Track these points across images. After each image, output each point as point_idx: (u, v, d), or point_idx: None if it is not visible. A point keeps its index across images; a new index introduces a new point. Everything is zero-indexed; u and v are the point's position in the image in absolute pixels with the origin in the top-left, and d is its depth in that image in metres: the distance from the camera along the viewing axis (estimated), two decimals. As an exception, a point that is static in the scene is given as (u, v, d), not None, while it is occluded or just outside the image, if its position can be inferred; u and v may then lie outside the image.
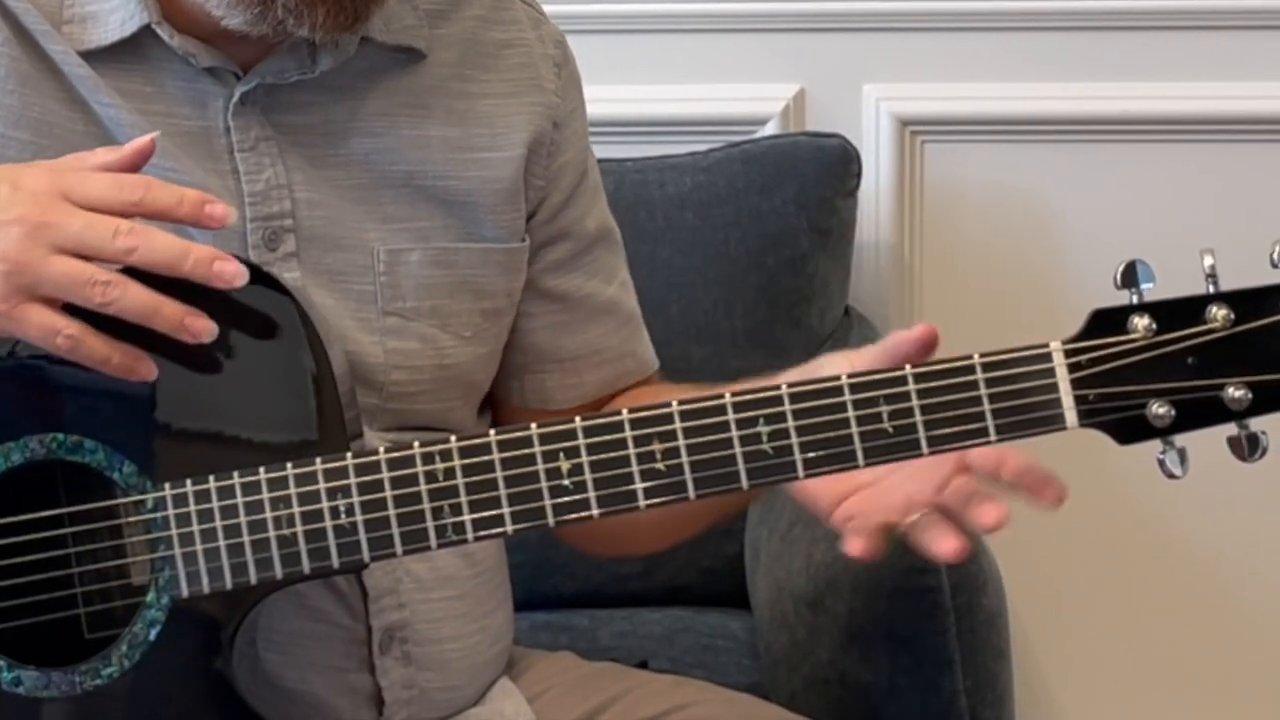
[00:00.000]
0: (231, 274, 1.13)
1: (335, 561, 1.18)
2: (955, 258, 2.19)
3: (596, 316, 1.45)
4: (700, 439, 1.17)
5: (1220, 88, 2.15)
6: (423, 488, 1.18)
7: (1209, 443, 1.17)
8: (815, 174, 2.05)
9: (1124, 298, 1.17)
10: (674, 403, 1.18)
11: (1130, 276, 1.15)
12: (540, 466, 1.18)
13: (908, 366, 1.16)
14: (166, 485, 1.18)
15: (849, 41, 2.18)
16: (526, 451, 1.18)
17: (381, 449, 1.18)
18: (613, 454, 1.17)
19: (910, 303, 2.20)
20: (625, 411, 1.18)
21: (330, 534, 1.18)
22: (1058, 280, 2.16)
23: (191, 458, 1.19)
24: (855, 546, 1.21)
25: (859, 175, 2.08)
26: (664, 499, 1.17)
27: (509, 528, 1.18)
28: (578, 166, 1.43)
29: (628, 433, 1.17)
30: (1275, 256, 1.13)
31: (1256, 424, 1.14)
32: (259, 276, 1.19)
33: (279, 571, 1.18)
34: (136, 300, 1.12)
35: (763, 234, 2.02)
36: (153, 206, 1.13)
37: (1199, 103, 2.15)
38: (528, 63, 1.40)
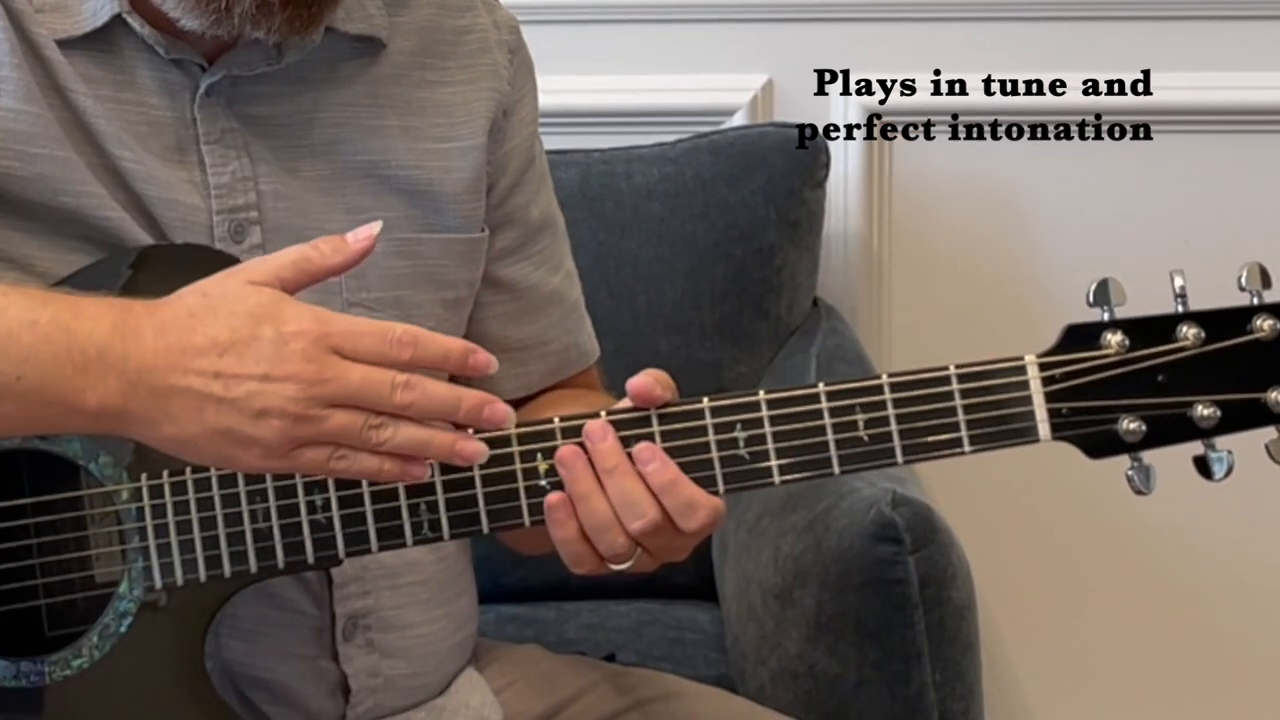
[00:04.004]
0: (501, 417, 1.14)
1: (310, 557, 1.19)
2: (924, 249, 2.20)
3: (543, 306, 1.45)
4: (677, 443, 1.18)
5: (1194, 79, 2.16)
6: (400, 485, 1.19)
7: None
8: (783, 165, 2.05)
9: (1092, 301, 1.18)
10: (651, 407, 1.19)
11: (1102, 294, 1.17)
12: (518, 466, 1.19)
13: (884, 376, 1.18)
14: (143, 477, 1.19)
15: (817, 32, 2.18)
16: (504, 451, 1.18)
17: (359, 446, 1.19)
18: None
19: (879, 293, 2.20)
20: (603, 415, 1.19)
21: (306, 529, 1.19)
22: (1027, 271, 2.17)
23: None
24: None
25: (827, 166, 2.08)
26: None
27: (485, 527, 1.19)
28: (524, 154, 1.43)
29: None
30: (1243, 281, 1.15)
31: (1223, 443, 1.16)
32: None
33: (253, 566, 1.19)
34: (411, 438, 1.12)
35: (730, 225, 2.03)
36: (421, 363, 1.13)
37: (1171, 94, 2.15)
38: (484, 48, 1.40)
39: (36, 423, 1.13)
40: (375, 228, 1.17)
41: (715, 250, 2.02)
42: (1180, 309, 1.16)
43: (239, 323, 1.11)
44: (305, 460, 1.12)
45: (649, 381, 1.19)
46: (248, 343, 1.11)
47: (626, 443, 1.18)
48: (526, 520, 1.19)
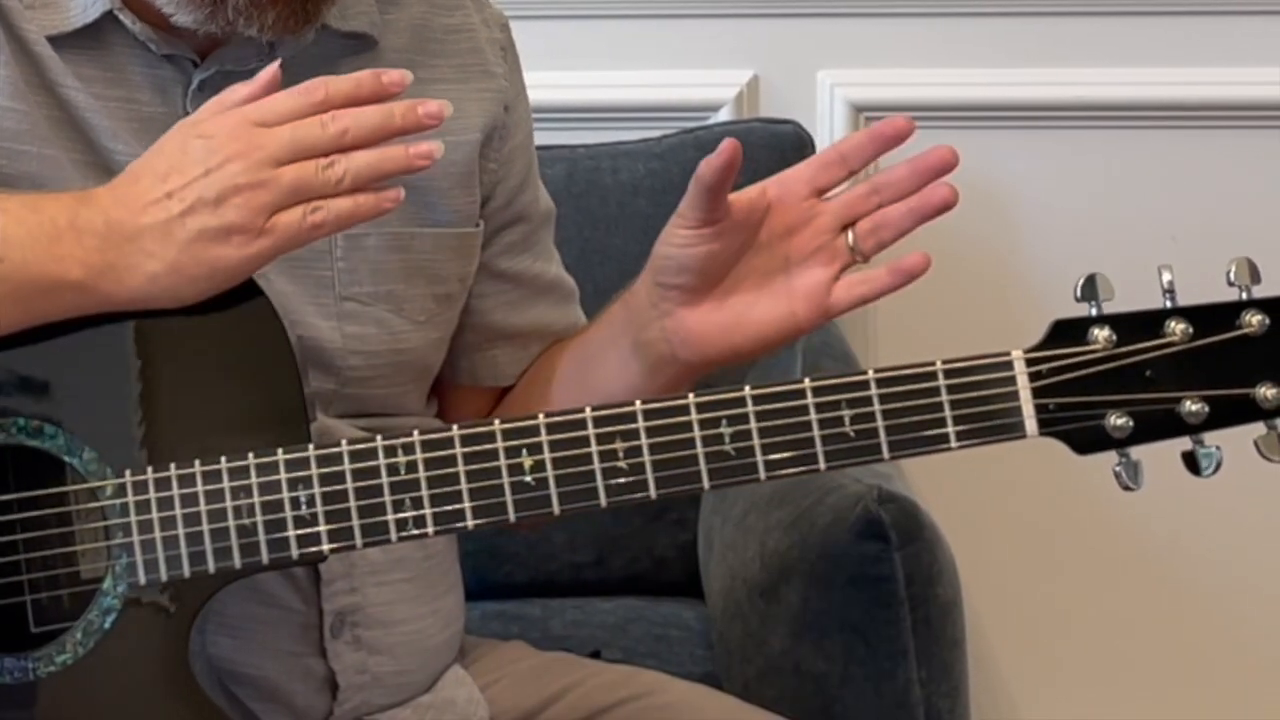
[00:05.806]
0: (436, 111, 1.17)
1: (294, 552, 1.19)
2: (910, 245, 2.20)
3: (544, 294, 1.47)
4: (663, 438, 1.18)
5: (1178, 74, 2.16)
6: (384, 480, 1.18)
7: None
8: (769, 160, 2.05)
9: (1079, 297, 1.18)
10: (637, 402, 1.19)
11: (1090, 289, 1.17)
12: (503, 462, 1.18)
13: (870, 371, 1.18)
14: (127, 472, 1.18)
15: (803, 27, 2.18)
16: (489, 447, 1.18)
17: (344, 441, 1.18)
18: (575, 451, 1.18)
19: (865, 290, 2.20)
20: (589, 410, 1.19)
21: (290, 525, 1.18)
22: (1015, 268, 2.17)
23: (152, 444, 1.19)
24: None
25: (813, 163, 2.08)
26: (625, 497, 1.18)
27: (469, 523, 1.19)
28: (527, 149, 1.44)
29: (590, 430, 1.18)
30: (1231, 275, 1.15)
31: (1211, 439, 1.16)
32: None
33: (238, 561, 1.18)
34: (366, 162, 1.16)
35: (716, 221, 2.02)
36: (336, 100, 1.17)
37: (1156, 89, 2.15)
38: (475, 47, 1.40)
39: (26, 307, 1.16)
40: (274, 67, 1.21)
41: (701, 246, 2.01)
42: (1168, 304, 1.16)
43: (171, 148, 1.17)
44: (283, 226, 1.15)
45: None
46: (181, 157, 1.16)
47: (611, 439, 1.18)
48: (512, 516, 1.19)
